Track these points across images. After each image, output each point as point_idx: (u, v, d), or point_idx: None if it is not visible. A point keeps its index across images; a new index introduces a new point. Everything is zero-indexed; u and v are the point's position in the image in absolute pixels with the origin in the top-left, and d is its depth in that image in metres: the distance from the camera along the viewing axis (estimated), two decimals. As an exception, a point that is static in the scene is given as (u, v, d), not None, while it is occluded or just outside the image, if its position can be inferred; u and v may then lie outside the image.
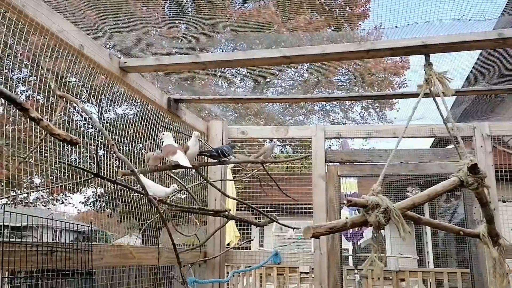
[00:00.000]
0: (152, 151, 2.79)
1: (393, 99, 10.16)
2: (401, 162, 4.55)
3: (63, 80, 2.70)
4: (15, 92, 2.89)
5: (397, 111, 11.32)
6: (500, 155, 4.19)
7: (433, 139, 6.05)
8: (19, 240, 2.04)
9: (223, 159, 2.97)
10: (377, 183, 1.85)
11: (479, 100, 4.89)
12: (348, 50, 2.83)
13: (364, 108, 13.23)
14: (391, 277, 7.45)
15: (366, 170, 4.72)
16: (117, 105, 4.19)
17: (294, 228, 3.74)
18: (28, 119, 1.48)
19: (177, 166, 2.64)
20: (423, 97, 2.37)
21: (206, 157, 3.76)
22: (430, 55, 2.54)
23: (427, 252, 10.39)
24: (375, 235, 1.81)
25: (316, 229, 1.65)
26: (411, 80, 9.56)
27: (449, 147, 4.78)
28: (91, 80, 2.85)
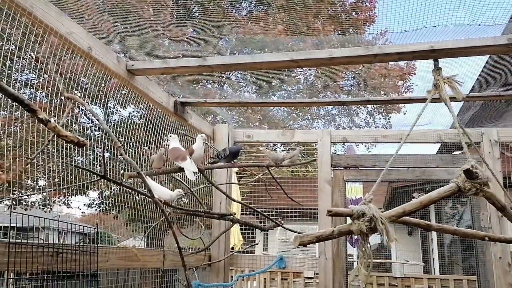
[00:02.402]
0: (157, 153, 2.79)
1: (400, 104, 10.10)
2: (408, 168, 4.52)
3: (72, 81, 2.71)
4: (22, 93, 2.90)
5: (404, 114, 11.22)
6: (508, 161, 4.15)
7: (439, 144, 6.00)
8: (25, 241, 2.04)
9: (231, 161, 2.97)
10: (370, 191, 1.86)
11: (487, 105, 4.84)
12: (355, 54, 2.82)
13: (369, 114, 13.17)
14: (396, 284, 7.39)
15: (372, 175, 4.69)
16: (123, 107, 4.20)
17: (298, 233, 3.72)
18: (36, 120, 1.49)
19: (183, 169, 2.64)
20: (431, 102, 2.35)
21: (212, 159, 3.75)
22: (438, 59, 2.52)
23: (433, 258, 10.30)
24: (361, 243, 1.81)
25: (303, 238, 1.75)
26: (418, 85, 9.51)
27: (456, 152, 4.73)
28: (99, 82, 2.86)
